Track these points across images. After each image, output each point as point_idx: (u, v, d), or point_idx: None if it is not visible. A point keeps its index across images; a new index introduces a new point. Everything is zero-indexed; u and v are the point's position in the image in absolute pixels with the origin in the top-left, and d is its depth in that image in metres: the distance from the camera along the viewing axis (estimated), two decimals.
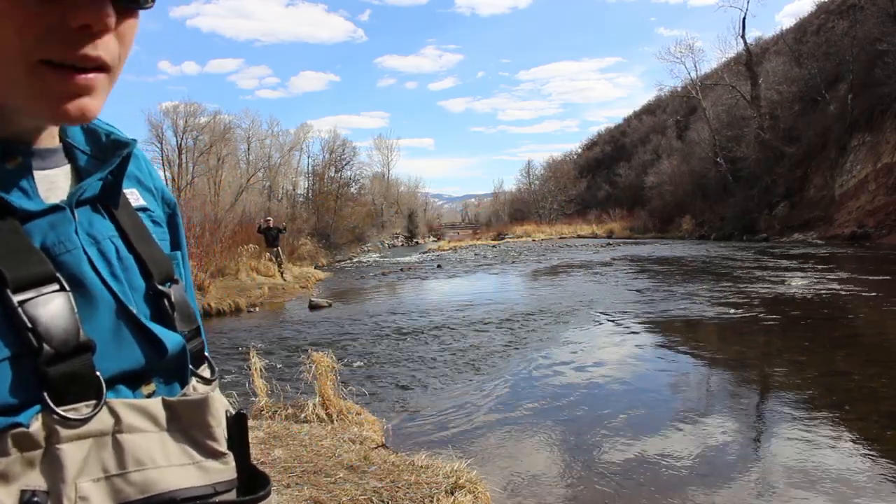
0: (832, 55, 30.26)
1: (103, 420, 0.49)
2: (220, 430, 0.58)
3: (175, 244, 0.71)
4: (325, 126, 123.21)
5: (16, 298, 0.47)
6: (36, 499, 0.43)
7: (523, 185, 66.27)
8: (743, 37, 36.25)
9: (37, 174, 0.54)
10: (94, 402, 0.49)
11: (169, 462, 0.52)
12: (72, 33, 0.47)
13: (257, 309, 12.39)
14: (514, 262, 21.93)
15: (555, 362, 6.84)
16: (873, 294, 10.28)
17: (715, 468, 3.91)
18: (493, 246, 34.77)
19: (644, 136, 54.99)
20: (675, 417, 4.91)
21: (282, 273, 16.73)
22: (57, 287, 0.49)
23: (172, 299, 0.61)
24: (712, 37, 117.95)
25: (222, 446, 0.57)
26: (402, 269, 20.32)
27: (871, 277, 12.28)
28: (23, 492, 0.43)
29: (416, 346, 7.89)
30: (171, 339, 0.58)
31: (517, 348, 7.57)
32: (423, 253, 31.63)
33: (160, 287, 0.60)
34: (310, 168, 39.62)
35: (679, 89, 45.34)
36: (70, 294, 0.50)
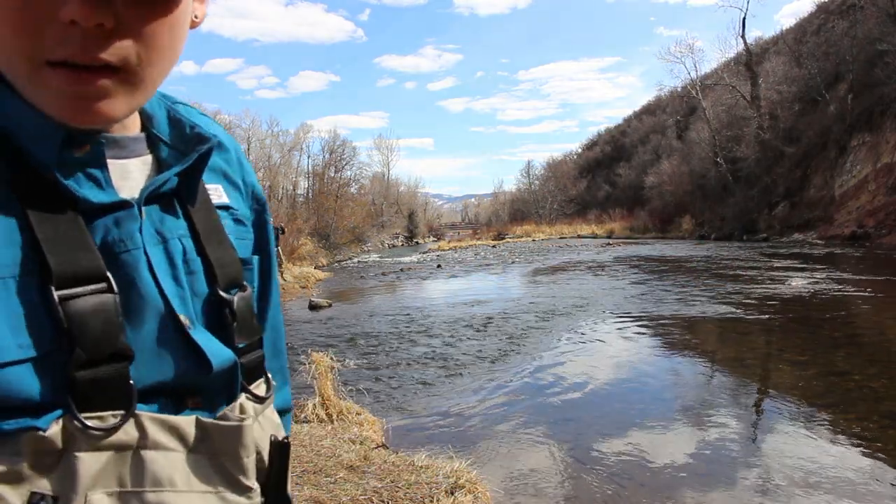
0: (832, 55, 30.28)
1: (128, 432, 0.47)
2: (251, 460, 0.55)
3: (259, 246, 0.68)
4: (325, 126, 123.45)
5: (58, 294, 0.44)
6: (43, 503, 0.42)
7: (523, 185, 66.45)
8: (743, 37, 36.36)
9: (110, 163, 0.52)
10: (122, 412, 0.46)
11: (189, 487, 0.49)
12: (66, 31, 0.43)
13: None
14: (514, 263, 21.93)
15: (555, 362, 6.84)
16: (873, 294, 10.28)
17: (715, 468, 3.91)
18: (493, 246, 34.77)
19: (644, 136, 55.07)
20: (675, 417, 4.91)
21: (281, 273, 16.74)
22: (104, 286, 0.47)
23: (235, 307, 0.57)
24: (712, 37, 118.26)
25: (250, 479, 0.54)
26: (402, 269, 20.30)
27: (871, 277, 12.28)
28: (32, 494, 0.42)
29: (416, 347, 7.89)
30: (219, 355, 0.54)
31: (518, 348, 7.57)
32: (423, 253, 31.62)
33: (223, 294, 0.57)
34: (310, 168, 39.70)
35: (679, 89, 45.47)
36: (117, 296, 0.47)
